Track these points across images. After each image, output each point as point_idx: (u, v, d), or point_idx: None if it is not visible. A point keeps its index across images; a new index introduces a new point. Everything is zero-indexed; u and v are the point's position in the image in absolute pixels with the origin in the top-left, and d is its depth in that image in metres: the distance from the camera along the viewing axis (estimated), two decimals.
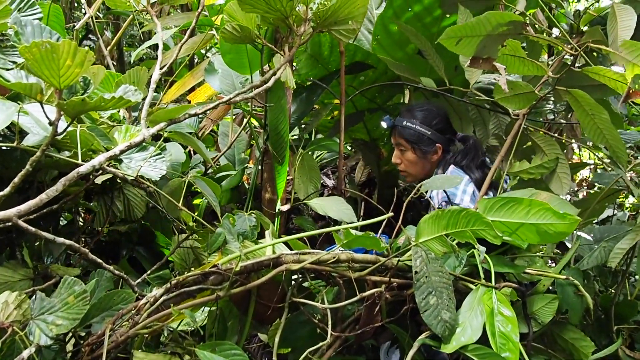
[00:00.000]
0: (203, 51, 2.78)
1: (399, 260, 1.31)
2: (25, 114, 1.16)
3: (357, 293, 1.26)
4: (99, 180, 1.44)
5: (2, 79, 1.05)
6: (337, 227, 1.23)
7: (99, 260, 1.21)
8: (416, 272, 1.27)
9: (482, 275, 1.34)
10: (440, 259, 1.31)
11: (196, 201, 2.07)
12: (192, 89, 2.54)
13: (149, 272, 1.34)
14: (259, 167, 1.77)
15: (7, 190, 1.04)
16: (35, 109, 1.17)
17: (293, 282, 1.29)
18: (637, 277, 2.00)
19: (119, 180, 1.51)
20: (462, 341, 1.24)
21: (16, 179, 1.05)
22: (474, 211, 1.22)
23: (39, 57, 1.00)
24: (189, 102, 2.47)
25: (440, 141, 1.91)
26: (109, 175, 1.46)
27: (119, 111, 1.61)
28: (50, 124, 1.06)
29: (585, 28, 1.70)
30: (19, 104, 1.19)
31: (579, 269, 1.62)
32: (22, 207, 1.10)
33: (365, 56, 1.99)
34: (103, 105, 1.03)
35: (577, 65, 1.95)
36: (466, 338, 1.24)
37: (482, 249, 1.29)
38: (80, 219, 1.64)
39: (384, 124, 1.95)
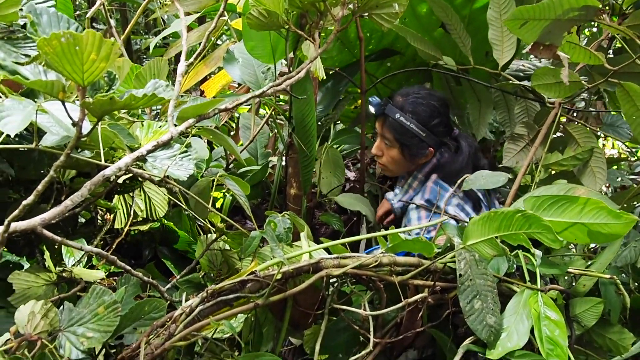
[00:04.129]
0: (213, 38, 2.66)
1: (444, 265, 1.23)
2: (44, 112, 1.06)
3: (401, 297, 1.18)
4: (120, 179, 1.35)
5: (20, 76, 0.95)
6: (384, 232, 1.14)
7: (128, 267, 1.12)
8: (460, 275, 1.19)
9: (527, 278, 1.26)
10: (484, 261, 1.24)
11: (215, 194, 1.98)
12: (204, 79, 2.42)
13: (178, 277, 1.26)
14: (283, 162, 1.67)
15: (31, 198, 0.94)
16: (55, 106, 1.06)
17: (332, 287, 1.21)
18: None
19: (140, 179, 1.41)
20: (509, 347, 1.16)
21: (40, 187, 0.95)
22: (531, 213, 1.13)
23: (60, 51, 0.89)
24: (202, 91, 2.36)
25: (434, 145, 1.63)
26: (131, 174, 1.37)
27: None
28: (74, 124, 0.96)
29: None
30: (35, 102, 1.09)
31: (617, 268, 1.54)
32: (47, 216, 1.00)
33: (392, 42, 1.87)
34: (133, 103, 0.93)
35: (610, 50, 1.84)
36: (512, 344, 1.16)
37: (539, 252, 1.21)
38: (99, 218, 1.55)
39: (371, 108, 1.66)
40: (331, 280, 1.24)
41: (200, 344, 1.14)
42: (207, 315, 1.08)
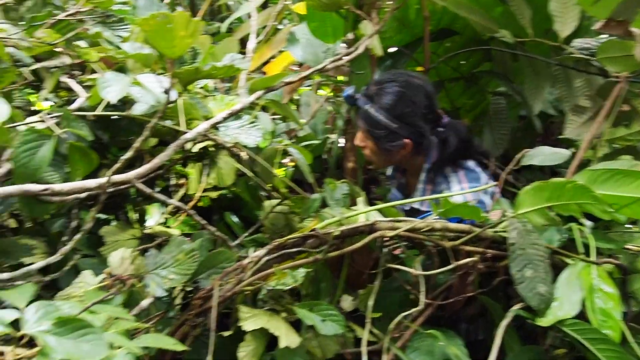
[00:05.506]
0: (275, 22, 2.87)
1: (495, 232, 1.35)
2: (137, 85, 1.30)
3: (452, 262, 1.32)
4: (195, 148, 1.58)
5: (124, 51, 1.18)
6: (435, 196, 1.29)
7: (204, 221, 1.35)
8: (512, 244, 1.30)
9: (581, 250, 1.35)
10: (536, 232, 1.34)
11: (277, 171, 2.19)
12: (266, 62, 2.64)
13: (245, 235, 1.47)
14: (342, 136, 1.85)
15: (129, 153, 1.18)
16: (146, 79, 1.30)
17: (385, 249, 1.37)
18: None
19: (211, 149, 1.64)
20: (559, 315, 1.25)
21: (136, 144, 1.18)
22: (581, 184, 1.23)
23: (156, 29, 1.11)
24: (264, 73, 2.58)
25: (410, 136, 1.60)
26: (204, 144, 1.60)
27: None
28: (165, 92, 1.18)
29: None
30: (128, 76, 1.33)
31: None
32: (140, 170, 1.24)
33: (451, 21, 2.00)
34: (214, 73, 1.14)
35: None
36: (563, 312, 1.26)
37: (589, 223, 1.31)
38: (173, 186, 1.80)
39: (345, 100, 1.68)
40: (385, 244, 1.40)
41: (264, 292, 1.34)
42: (271, 266, 1.27)
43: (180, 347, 1.14)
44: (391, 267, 1.33)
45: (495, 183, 1.55)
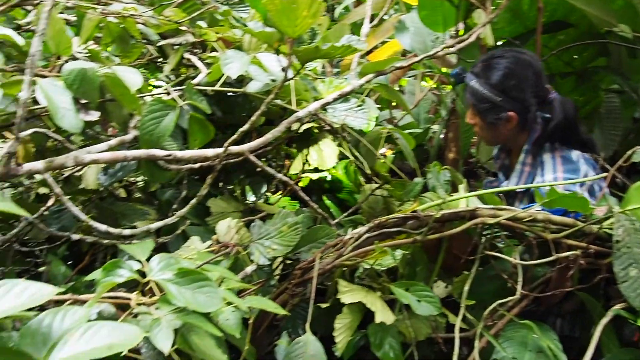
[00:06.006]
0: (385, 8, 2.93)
1: (600, 228, 1.34)
2: (255, 63, 1.42)
3: (550, 256, 1.32)
4: (300, 129, 1.69)
5: (249, 29, 1.31)
6: (539, 185, 1.30)
7: (307, 197, 1.45)
8: (617, 242, 1.28)
9: None
10: None
11: None
12: (369, 51, 2.72)
13: (345, 214, 1.56)
14: (445, 127, 1.89)
15: (246, 126, 1.30)
16: (264, 57, 1.42)
17: (484, 237, 1.40)
18: None
19: (315, 131, 1.75)
20: None
21: (253, 117, 1.30)
22: None
23: (281, 9, 1.22)
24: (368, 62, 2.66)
25: (514, 109, 1.64)
26: (308, 125, 1.71)
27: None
28: (283, 69, 1.29)
29: None
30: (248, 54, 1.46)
31: None
32: (253, 144, 1.36)
33: (566, 14, 1.97)
34: (332, 52, 1.22)
35: None
36: None
37: None
38: (275, 166, 1.93)
39: (452, 78, 1.76)
40: (484, 232, 1.43)
41: (361, 270, 1.42)
42: (371, 243, 1.35)
43: (281, 311, 1.24)
44: (489, 255, 1.36)
45: (592, 177, 1.53)
